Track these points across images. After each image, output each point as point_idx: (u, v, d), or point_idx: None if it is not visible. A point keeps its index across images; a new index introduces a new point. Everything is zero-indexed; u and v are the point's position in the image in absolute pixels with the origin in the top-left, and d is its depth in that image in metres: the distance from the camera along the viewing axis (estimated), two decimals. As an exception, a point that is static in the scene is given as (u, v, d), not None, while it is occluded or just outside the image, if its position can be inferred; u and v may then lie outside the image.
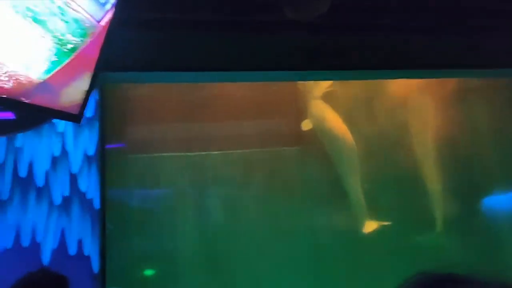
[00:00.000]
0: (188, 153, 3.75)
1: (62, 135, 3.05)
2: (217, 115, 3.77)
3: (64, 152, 3.05)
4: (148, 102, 3.66)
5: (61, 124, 3.00)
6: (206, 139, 3.77)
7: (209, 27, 2.94)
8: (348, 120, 4.25)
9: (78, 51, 2.02)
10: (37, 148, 3.00)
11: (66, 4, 1.93)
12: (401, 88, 4.30)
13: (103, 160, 3.13)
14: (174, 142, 3.73)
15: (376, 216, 4.13)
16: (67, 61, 2.00)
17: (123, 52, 2.45)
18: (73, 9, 1.96)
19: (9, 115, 2.53)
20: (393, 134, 4.32)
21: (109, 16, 2.07)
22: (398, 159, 4.25)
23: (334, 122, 4.22)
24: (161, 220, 3.88)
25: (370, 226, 4.10)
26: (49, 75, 1.97)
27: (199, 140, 3.80)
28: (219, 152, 3.83)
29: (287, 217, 3.93)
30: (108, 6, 2.05)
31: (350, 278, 3.82)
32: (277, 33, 3.04)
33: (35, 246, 2.81)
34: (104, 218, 3.07)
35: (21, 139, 2.95)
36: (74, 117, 2.15)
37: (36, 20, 1.88)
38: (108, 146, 3.29)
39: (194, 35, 2.92)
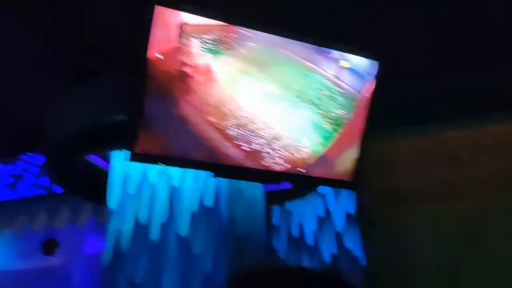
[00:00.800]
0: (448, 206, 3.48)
1: (324, 196, 3.31)
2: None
3: (328, 213, 3.29)
4: (410, 153, 3.55)
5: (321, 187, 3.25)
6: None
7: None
8: None
9: (347, 124, 2.19)
10: (304, 211, 3.32)
11: (333, 82, 2.15)
12: None
13: (364, 218, 3.22)
14: (432, 195, 3.54)
15: None
16: (338, 134, 2.19)
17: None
18: (339, 86, 2.16)
19: (286, 185, 2.89)
20: None
21: (371, 86, 2.20)
22: None
23: None
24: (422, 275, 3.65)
25: None
26: (325, 149, 2.20)
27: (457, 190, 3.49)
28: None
29: None
30: (369, 77, 2.19)
31: None
32: None
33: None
34: (371, 275, 3.11)
35: (290, 203, 3.34)
36: (348, 184, 2.31)
37: (308, 100, 2.13)
38: (365, 204, 3.36)
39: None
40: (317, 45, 2.06)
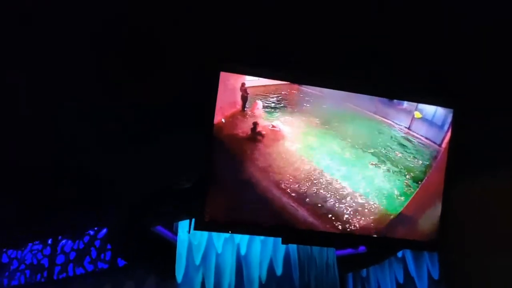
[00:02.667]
0: None
1: (404, 260, 3.11)
2: None
3: (409, 279, 3.07)
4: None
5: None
6: None
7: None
8: None
9: (426, 178, 2.09)
10: (382, 277, 3.13)
11: (407, 135, 2.08)
12: None
13: (450, 283, 2.97)
14: None
15: None
16: (417, 190, 2.08)
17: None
18: (414, 139, 2.09)
19: (361, 250, 2.76)
20: None
21: (448, 136, 2.11)
22: None
23: None
24: None
25: None
26: (403, 207, 2.09)
27: None
28: None
29: None
30: (446, 126, 2.10)
31: None
32: None
33: None
34: None
35: (366, 269, 3.16)
36: (430, 245, 2.16)
37: (382, 156, 2.08)
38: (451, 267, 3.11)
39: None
40: (387, 97, 2.04)
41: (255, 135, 1.95)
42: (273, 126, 1.96)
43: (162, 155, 2.37)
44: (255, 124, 1.95)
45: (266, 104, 1.96)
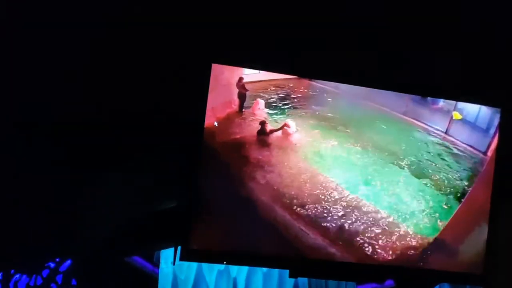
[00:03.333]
0: None
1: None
2: None
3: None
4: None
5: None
6: None
7: None
8: None
9: (468, 195, 2.06)
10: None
11: (444, 141, 2.06)
12: None
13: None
14: None
15: None
16: (457, 211, 2.05)
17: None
18: (452, 145, 2.07)
19: (388, 284, 2.73)
20: None
21: (494, 142, 2.09)
22: None
23: None
24: None
25: None
26: (440, 231, 2.05)
27: None
28: None
29: None
30: (492, 130, 2.08)
31: None
32: None
33: None
34: None
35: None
36: (475, 279, 2.13)
37: (413, 167, 2.05)
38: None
39: None
40: (419, 94, 2.00)
41: (255, 142, 1.94)
42: (277, 131, 1.94)
43: (139, 167, 2.36)
44: (255, 129, 1.93)
45: (269, 104, 1.95)
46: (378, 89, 2.00)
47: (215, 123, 1.90)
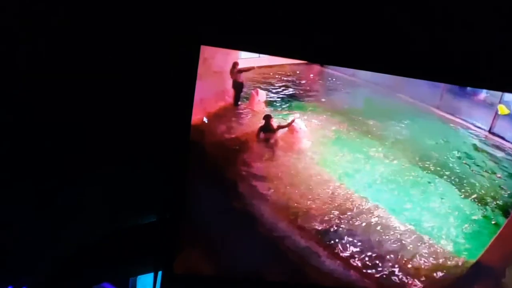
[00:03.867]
0: None
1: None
2: None
3: None
4: None
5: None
6: None
7: None
8: None
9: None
10: None
11: (487, 143, 2.02)
12: None
13: None
14: None
15: None
16: (503, 226, 2.02)
17: None
18: (498, 148, 2.05)
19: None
20: None
21: (548, 143, 2.05)
22: None
23: None
24: None
25: None
26: (482, 252, 2.03)
27: None
28: None
29: None
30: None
31: None
32: None
33: None
34: None
35: None
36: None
37: (449, 174, 2.03)
38: None
39: None
40: (457, 84, 1.95)
41: (255, 142, 1.91)
42: (281, 127, 1.91)
43: (111, 173, 2.33)
44: (255, 125, 1.90)
45: (271, 95, 1.93)
46: (405, 77, 1.92)
47: (205, 119, 1.87)
